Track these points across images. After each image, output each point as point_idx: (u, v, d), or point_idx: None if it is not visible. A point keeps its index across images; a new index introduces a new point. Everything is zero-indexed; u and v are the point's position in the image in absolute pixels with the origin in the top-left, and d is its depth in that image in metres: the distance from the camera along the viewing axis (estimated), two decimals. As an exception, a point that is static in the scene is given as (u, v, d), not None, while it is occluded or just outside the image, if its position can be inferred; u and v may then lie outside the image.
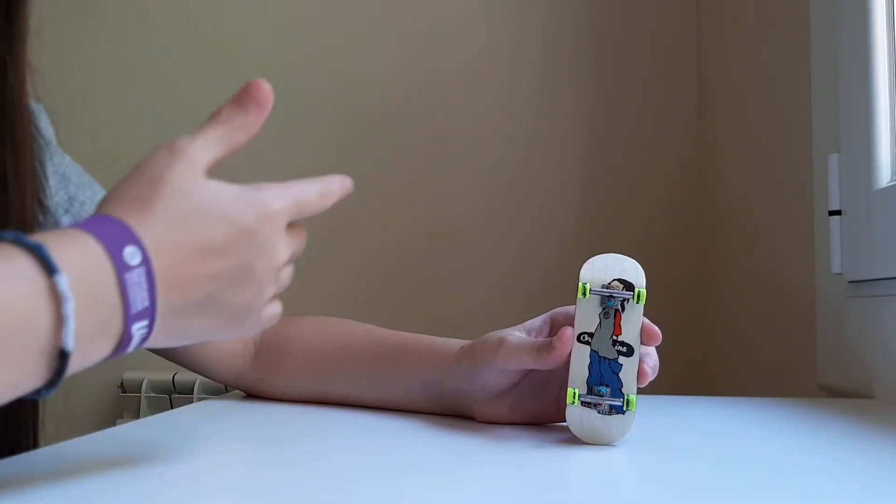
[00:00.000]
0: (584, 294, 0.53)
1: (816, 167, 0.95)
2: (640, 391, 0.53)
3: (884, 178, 0.81)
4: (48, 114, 0.63)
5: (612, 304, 0.53)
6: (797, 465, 0.49)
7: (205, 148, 0.42)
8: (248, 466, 0.48)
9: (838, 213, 0.88)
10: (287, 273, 0.47)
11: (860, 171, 0.84)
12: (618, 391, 0.52)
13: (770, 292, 1.12)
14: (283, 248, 0.44)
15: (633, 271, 0.54)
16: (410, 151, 1.43)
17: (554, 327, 0.60)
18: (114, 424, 0.62)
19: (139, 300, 0.38)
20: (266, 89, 0.44)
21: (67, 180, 0.62)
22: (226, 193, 0.42)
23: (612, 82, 1.43)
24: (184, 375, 1.46)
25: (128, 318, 0.37)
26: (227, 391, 0.92)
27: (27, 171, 0.53)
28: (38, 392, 0.36)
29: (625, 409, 0.52)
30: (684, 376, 1.36)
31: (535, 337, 0.60)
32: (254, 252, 0.42)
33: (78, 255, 0.36)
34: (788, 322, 1.05)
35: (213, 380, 0.73)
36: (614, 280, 0.53)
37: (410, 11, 1.45)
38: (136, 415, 1.48)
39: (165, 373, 1.47)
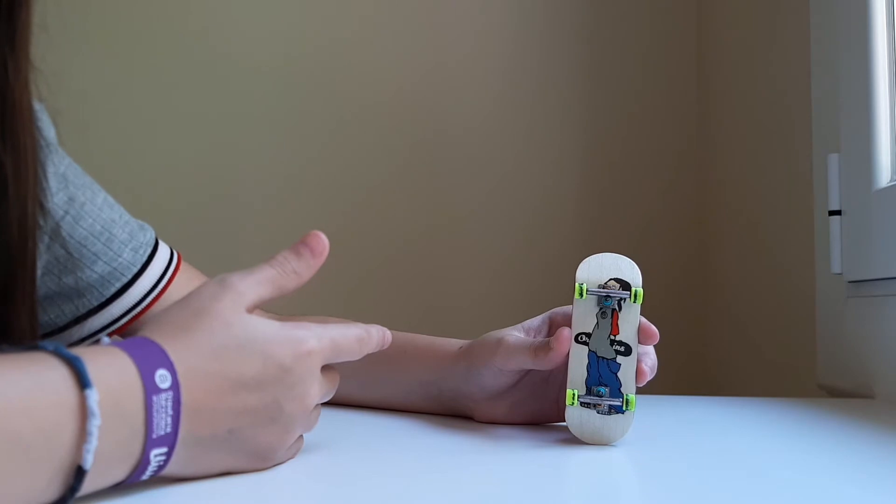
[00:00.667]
0: (581, 294, 0.53)
1: (816, 167, 0.95)
2: (639, 391, 0.53)
3: (884, 178, 0.81)
4: (49, 113, 0.62)
5: (608, 303, 0.53)
6: (797, 465, 0.49)
7: (254, 286, 0.43)
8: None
9: (838, 213, 0.88)
10: (315, 415, 0.46)
11: (860, 171, 0.84)
12: (617, 391, 0.52)
13: (770, 292, 1.12)
14: (316, 389, 0.44)
15: (630, 270, 0.53)
16: (409, 151, 1.43)
17: (553, 327, 0.60)
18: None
19: (162, 425, 0.37)
20: (323, 240, 0.47)
21: (67, 181, 0.61)
22: (265, 329, 0.42)
23: (612, 82, 1.43)
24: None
25: (148, 442, 0.37)
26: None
27: (28, 173, 0.52)
28: None
29: (624, 408, 0.51)
30: (684, 376, 1.35)
31: (534, 337, 0.60)
32: (286, 390, 0.42)
33: (112, 371, 0.36)
34: (788, 322, 1.05)
35: None
36: (611, 280, 0.53)
37: (412, 10, 1.45)
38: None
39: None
